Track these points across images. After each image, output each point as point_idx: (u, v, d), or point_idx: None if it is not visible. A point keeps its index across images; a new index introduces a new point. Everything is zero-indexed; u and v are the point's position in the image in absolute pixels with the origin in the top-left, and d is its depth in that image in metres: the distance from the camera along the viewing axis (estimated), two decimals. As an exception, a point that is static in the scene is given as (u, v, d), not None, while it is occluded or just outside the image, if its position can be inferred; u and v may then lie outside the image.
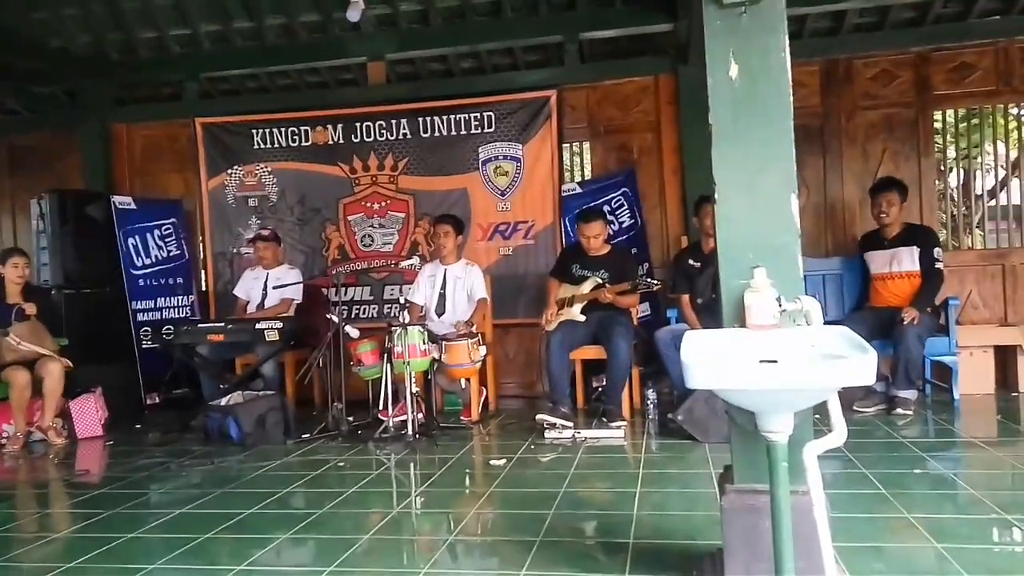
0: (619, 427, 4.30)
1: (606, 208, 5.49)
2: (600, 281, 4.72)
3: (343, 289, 5.86)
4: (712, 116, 2.24)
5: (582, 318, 4.71)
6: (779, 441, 1.92)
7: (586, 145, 6.08)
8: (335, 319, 4.57)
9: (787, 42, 2.20)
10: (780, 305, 2.10)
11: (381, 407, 4.54)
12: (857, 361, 1.80)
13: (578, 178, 6.14)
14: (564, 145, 5.92)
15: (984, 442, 3.90)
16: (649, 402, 4.63)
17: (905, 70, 5.51)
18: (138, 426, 5.17)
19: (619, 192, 5.67)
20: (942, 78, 5.47)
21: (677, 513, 2.92)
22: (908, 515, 2.74)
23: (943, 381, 4.81)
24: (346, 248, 6.07)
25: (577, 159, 6.39)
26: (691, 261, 4.77)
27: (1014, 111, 7.30)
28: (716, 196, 2.24)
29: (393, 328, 4.38)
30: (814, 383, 1.84)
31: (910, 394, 4.40)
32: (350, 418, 4.55)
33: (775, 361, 1.91)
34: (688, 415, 3.89)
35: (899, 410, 4.35)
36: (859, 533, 2.57)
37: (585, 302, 4.72)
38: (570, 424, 4.32)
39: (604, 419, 4.41)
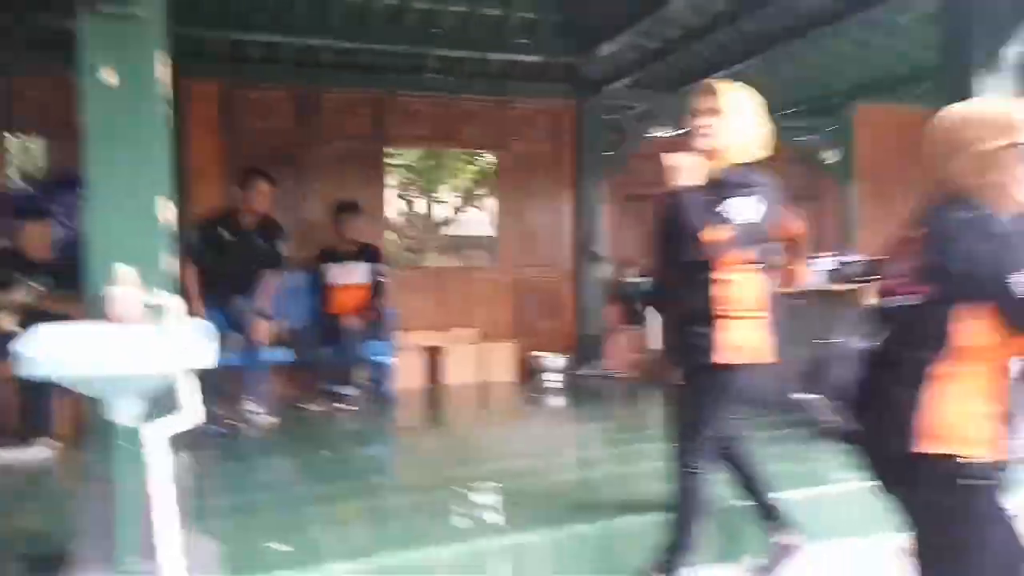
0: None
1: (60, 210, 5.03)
2: (42, 289, 4.33)
3: None
4: (85, 117, 2.29)
5: (17, 328, 4.22)
6: (124, 424, 2.05)
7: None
8: None
9: (167, 56, 2.37)
10: (143, 300, 2.24)
11: None
12: (197, 348, 2.04)
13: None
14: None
15: (410, 427, 4.76)
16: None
17: (368, 108, 6.25)
18: None
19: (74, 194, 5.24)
20: (397, 119, 6.33)
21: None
22: (340, 490, 3.21)
23: (383, 379, 5.52)
24: None
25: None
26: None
27: (462, 157, 8.91)
28: (87, 195, 2.28)
29: None
30: (153, 367, 2.02)
31: (352, 391, 5.02)
32: None
33: (127, 349, 2.04)
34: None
35: (342, 406, 4.93)
36: (284, 511, 2.99)
37: (19, 311, 4.25)
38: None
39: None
